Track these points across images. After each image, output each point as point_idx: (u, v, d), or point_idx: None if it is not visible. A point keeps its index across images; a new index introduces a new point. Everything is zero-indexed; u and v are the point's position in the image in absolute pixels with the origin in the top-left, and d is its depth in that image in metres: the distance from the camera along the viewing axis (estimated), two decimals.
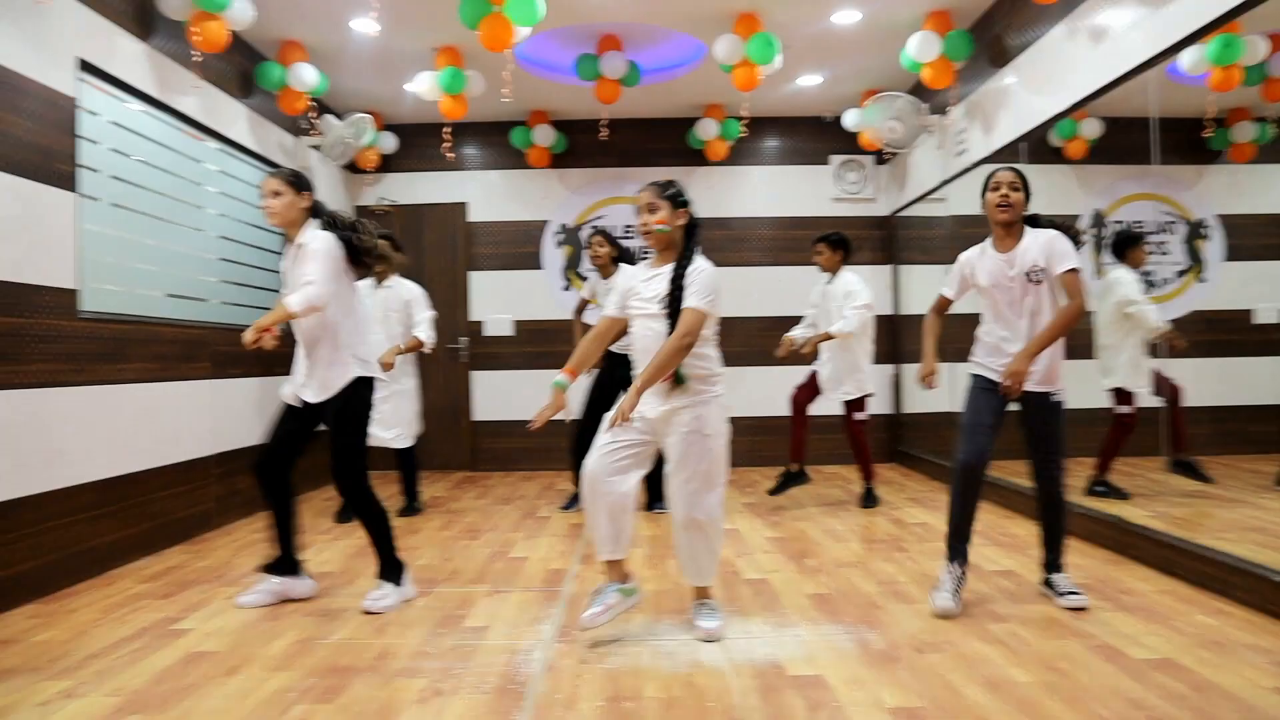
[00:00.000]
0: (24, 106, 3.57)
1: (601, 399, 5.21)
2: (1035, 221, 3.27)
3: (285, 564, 3.42)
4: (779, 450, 7.18)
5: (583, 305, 5.61)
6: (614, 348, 5.20)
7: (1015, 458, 3.31)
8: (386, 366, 4.69)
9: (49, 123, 3.72)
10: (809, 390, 5.33)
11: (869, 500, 5.36)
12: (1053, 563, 3.32)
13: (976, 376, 3.33)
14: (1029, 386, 3.19)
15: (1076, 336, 4.92)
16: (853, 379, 5.22)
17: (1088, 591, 3.32)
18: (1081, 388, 4.87)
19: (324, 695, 2.49)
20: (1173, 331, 4.47)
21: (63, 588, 3.66)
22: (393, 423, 5.13)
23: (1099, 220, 5.05)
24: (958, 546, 3.27)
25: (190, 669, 2.71)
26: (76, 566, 3.76)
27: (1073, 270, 3.10)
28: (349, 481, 3.32)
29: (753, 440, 7.08)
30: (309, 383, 3.32)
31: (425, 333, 5.02)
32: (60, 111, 3.80)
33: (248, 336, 3.12)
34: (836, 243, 5.27)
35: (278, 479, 3.37)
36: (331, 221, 3.36)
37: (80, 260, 3.90)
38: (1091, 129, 4.80)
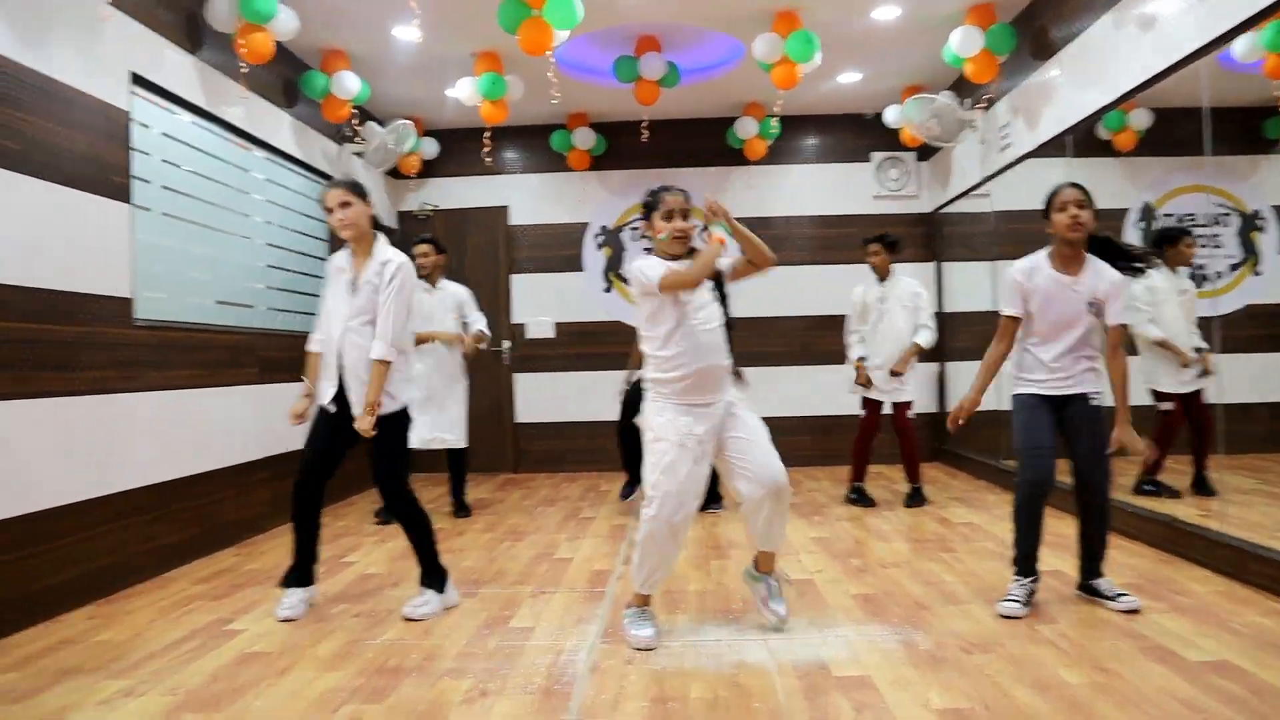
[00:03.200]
0: (79, 120, 3.67)
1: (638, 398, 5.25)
2: (1108, 245, 3.21)
3: (308, 574, 3.41)
4: (819, 449, 7.17)
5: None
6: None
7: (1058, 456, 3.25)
8: (470, 354, 5.29)
9: (103, 135, 3.82)
10: (875, 421, 5.35)
11: (915, 499, 5.31)
12: (1094, 569, 3.25)
13: (1026, 396, 3.24)
14: (1071, 390, 3.16)
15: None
16: (913, 382, 5.33)
17: (1138, 592, 3.26)
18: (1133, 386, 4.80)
19: (373, 695, 2.53)
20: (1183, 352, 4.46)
21: (120, 589, 3.75)
22: (451, 423, 5.22)
23: (1149, 213, 4.94)
24: (1029, 565, 3.21)
25: (243, 669, 2.76)
26: (133, 568, 3.86)
27: (1124, 326, 3.18)
28: (393, 488, 3.34)
29: (795, 440, 7.02)
30: (358, 399, 3.28)
31: (485, 326, 5.31)
32: (114, 124, 3.90)
33: (364, 426, 3.16)
34: (893, 244, 5.27)
35: (316, 496, 3.38)
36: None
37: (134, 269, 4.00)
38: (1141, 120, 4.71)
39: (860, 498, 5.40)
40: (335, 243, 3.49)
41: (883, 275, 5.26)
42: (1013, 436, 3.27)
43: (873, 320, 5.29)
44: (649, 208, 3.01)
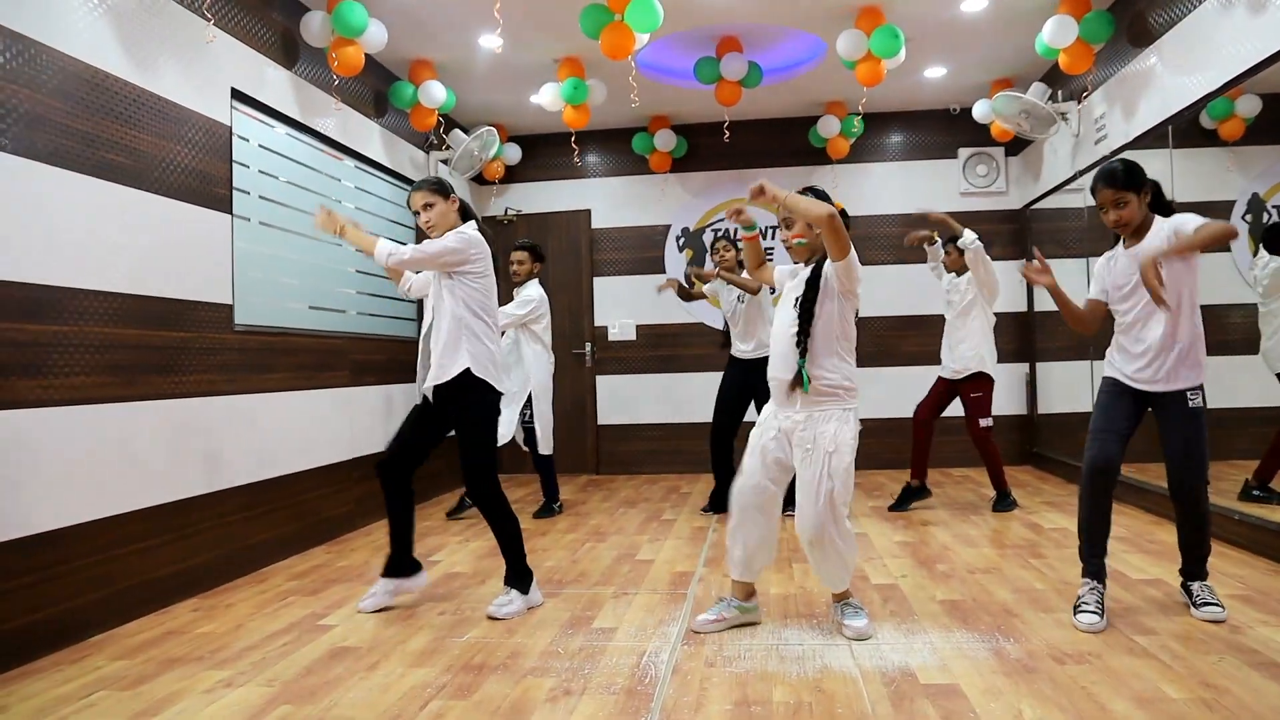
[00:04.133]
0: (186, 136, 3.86)
1: (733, 401, 5.23)
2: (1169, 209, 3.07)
3: (401, 565, 3.48)
4: (903, 452, 7.01)
5: (696, 293, 5.66)
6: (741, 354, 5.21)
7: (1158, 459, 3.11)
8: None
9: (207, 150, 4.00)
10: (933, 405, 5.20)
11: (1003, 504, 5.15)
12: (1193, 572, 3.12)
13: (1109, 379, 3.15)
14: (1160, 387, 3.00)
15: (1226, 331, 4.62)
16: (967, 353, 5.07)
17: (1247, 604, 3.10)
18: (1233, 386, 4.57)
19: (459, 692, 2.58)
20: None
21: (222, 583, 3.92)
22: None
23: (1257, 205, 4.70)
24: (1094, 560, 3.08)
25: (335, 663, 2.86)
26: (234, 563, 4.03)
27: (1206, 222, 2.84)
28: (478, 485, 3.34)
29: (881, 442, 6.91)
30: (431, 374, 3.34)
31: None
32: (217, 139, 4.08)
33: (321, 218, 3.28)
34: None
35: (400, 480, 3.43)
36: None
37: (234, 277, 4.18)
38: (1249, 107, 4.47)
39: (906, 495, 5.26)
40: None
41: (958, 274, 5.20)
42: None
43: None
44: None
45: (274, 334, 4.49)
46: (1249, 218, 4.70)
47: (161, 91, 3.71)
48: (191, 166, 3.88)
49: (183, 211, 3.81)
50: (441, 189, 3.38)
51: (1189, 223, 2.87)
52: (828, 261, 2.92)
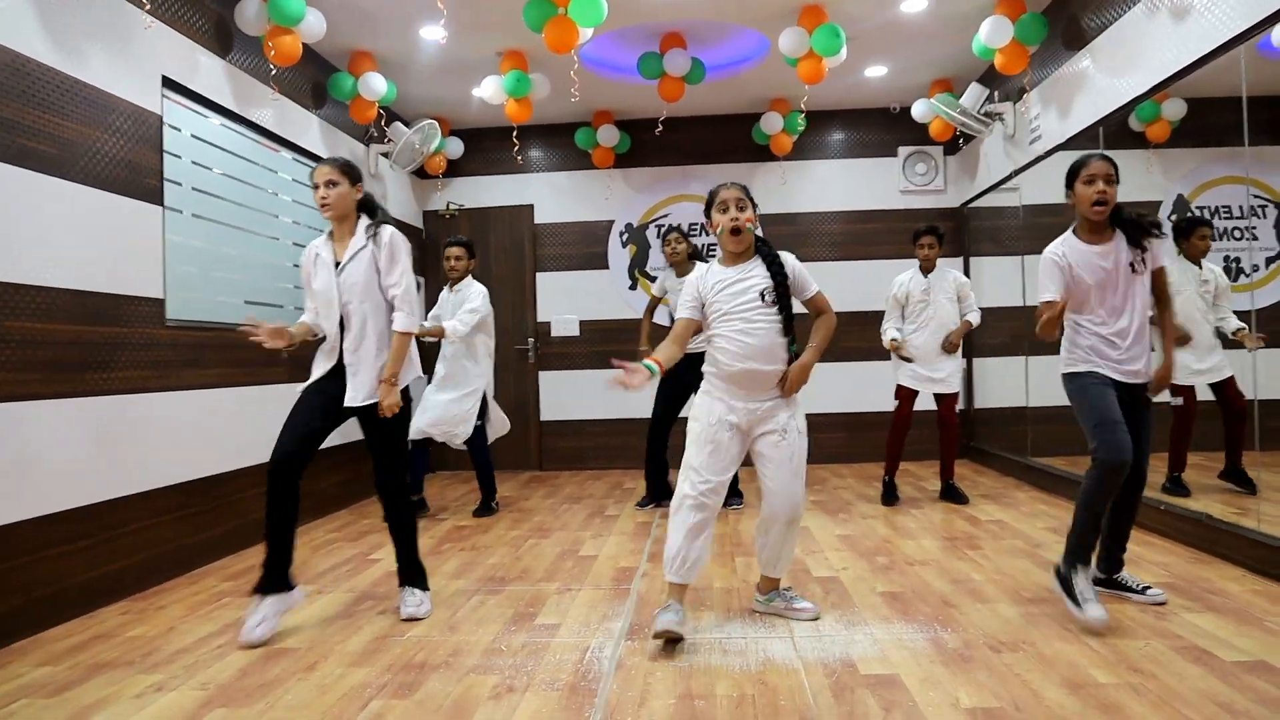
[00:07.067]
0: (114, 125, 3.73)
1: (673, 397, 5.24)
2: (1118, 212, 3.09)
3: (283, 578, 3.14)
4: (848, 446, 7.14)
5: (654, 304, 5.56)
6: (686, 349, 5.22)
7: (1070, 453, 3.18)
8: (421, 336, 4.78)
9: (137, 139, 3.87)
10: (908, 412, 5.34)
11: (953, 494, 5.32)
12: (1121, 561, 3.22)
13: (1093, 374, 3.07)
14: (1141, 379, 3.08)
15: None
16: (959, 375, 5.33)
17: (1171, 591, 3.21)
18: None
19: (400, 691, 2.54)
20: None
21: (152, 585, 3.81)
22: (450, 419, 5.17)
23: (1182, 205, 4.86)
24: (1087, 551, 3.05)
25: (272, 664, 2.79)
26: (165, 565, 3.92)
27: (1164, 267, 3.10)
28: (398, 484, 3.34)
29: (824, 436, 6.98)
30: (357, 384, 3.19)
31: (450, 323, 5.01)
32: (147, 128, 3.95)
33: (390, 400, 3.18)
34: (942, 236, 5.32)
35: (295, 481, 3.13)
36: (386, 218, 3.32)
37: (166, 271, 4.05)
38: (1175, 110, 4.61)
39: (888, 493, 5.36)
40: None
41: (929, 269, 5.26)
42: (1080, 417, 3.08)
43: (914, 313, 5.28)
44: (709, 206, 3.05)
45: (208, 329, 4.37)
46: (1174, 217, 4.86)
47: (88, 78, 3.58)
48: (120, 156, 3.75)
49: (111, 203, 3.69)
50: (350, 172, 3.22)
51: (1157, 249, 3.06)
52: (786, 260, 2.98)
